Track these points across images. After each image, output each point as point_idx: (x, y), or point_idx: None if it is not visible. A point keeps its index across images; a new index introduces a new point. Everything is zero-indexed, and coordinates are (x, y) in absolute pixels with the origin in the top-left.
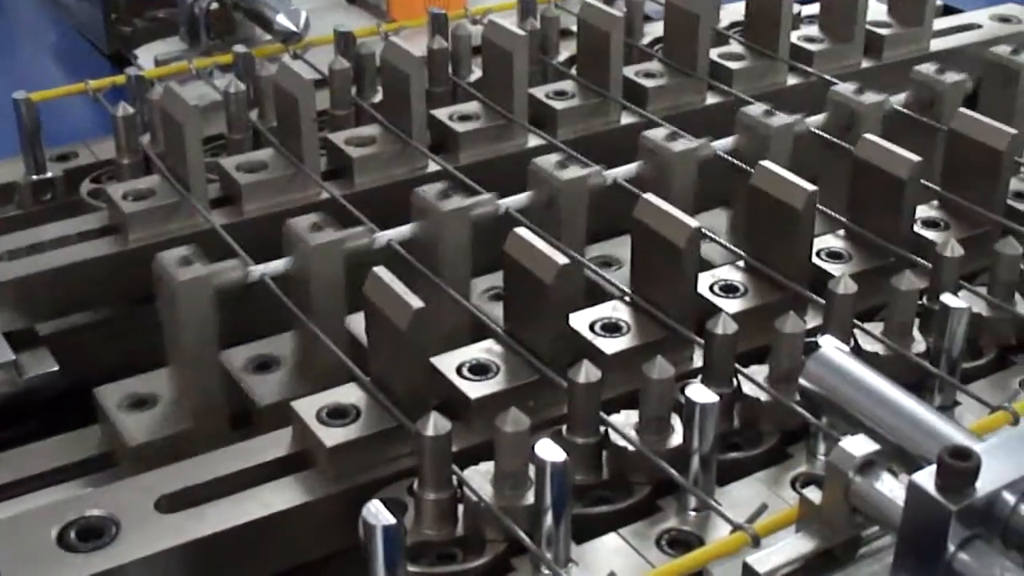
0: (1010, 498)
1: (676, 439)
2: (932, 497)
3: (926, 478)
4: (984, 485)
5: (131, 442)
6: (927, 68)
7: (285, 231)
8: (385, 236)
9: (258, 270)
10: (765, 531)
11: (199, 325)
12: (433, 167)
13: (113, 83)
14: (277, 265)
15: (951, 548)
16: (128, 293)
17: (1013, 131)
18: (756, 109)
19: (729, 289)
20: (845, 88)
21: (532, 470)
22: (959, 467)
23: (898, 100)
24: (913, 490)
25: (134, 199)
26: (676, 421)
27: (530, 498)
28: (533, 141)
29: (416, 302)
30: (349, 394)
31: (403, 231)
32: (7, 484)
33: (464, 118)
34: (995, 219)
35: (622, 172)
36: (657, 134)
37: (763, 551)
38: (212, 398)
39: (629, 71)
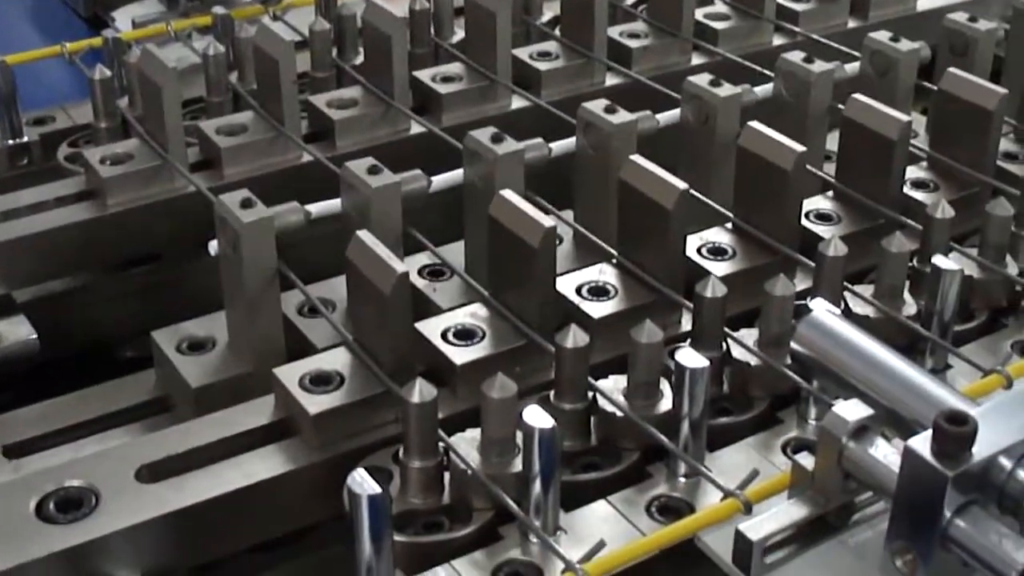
0: (1006, 463)
1: (666, 404)
2: (928, 463)
3: (922, 443)
4: (980, 450)
5: (193, 384)
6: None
7: (342, 174)
8: (436, 180)
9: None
10: (757, 497)
11: (261, 266)
12: (416, 129)
13: (90, 45)
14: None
15: (947, 514)
16: (107, 259)
17: (1003, 90)
18: (797, 55)
19: (717, 252)
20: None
21: (519, 437)
22: (955, 432)
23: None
24: (909, 455)
25: (112, 163)
26: (665, 386)
27: (518, 465)
28: (517, 102)
29: (399, 266)
30: (333, 360)
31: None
32: (62, 430)
33: (447, 79)
34: (985, 180)
35: (666, 118)
36: (701, 80)
37: (755, 518)
38: (272, 341)
39: (614, 31)
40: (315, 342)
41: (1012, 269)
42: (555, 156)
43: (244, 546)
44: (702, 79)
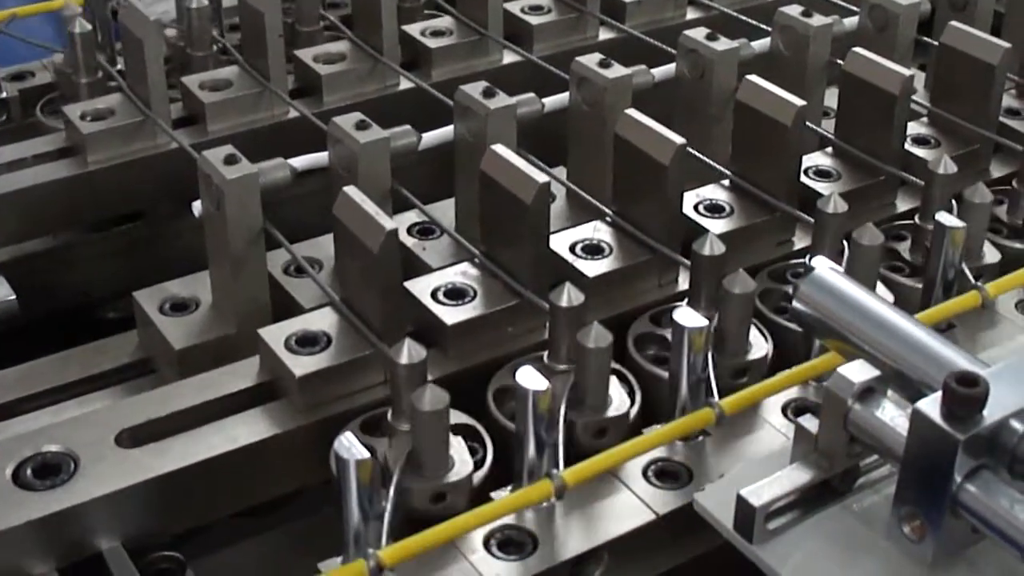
0: (1019, 426)
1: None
2: (938, 426)
3: (931, 406)
4: (991, 413)
5: (175, 346)
6: None
7: (329, 129)
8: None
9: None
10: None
11: (246, 224)
12: (405, 84)
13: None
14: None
15: (957, 479)
16: (88, 218)
17: (1006, 44)
18: (794, 8)
19: (715, 209)
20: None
21: None
22: (967, 394)
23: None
24: (917, 418)
25: (92, 119)
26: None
27: None
28: (508, 57)
29: (388, 223)
30: (320, 321)
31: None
32: (43, 392)
33: (437, 34)
34: (988, 135)
35: (661, 72)
36: (697, 34)
37: (757, 484)
38: (257, 301)
39: None
40: (302, 302)
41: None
42: (548, 112)
43: (228, 512)
44: (698, 33)
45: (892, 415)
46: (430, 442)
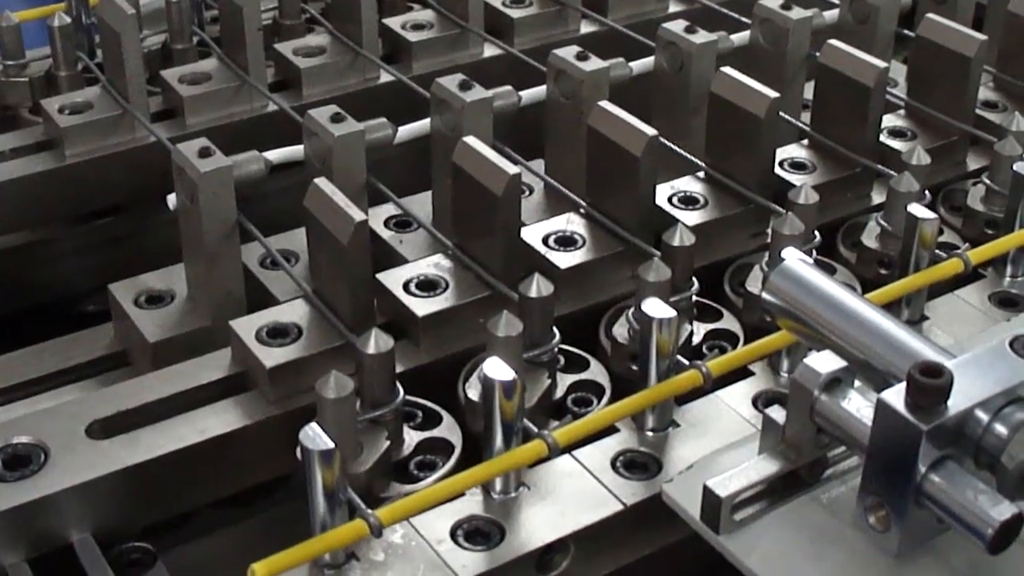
0: (983, 416)
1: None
2: (902, 416)
3: (895, 396)
4: (956, 403)
5: (150, 339)
6: None
7: (305, 121)
8: (402, 130)
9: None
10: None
11: (221, 218)
12: (386, 77)
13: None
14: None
15: (922, 469)
16: (66, 211)
17: (983, 37)
18: (774, 2)
19: (689, 201)
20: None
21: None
22: (930, 384)
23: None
24: (882, 409)
25: (71, 113)
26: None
27: None
28: (489, 50)
29: (358, 214)
30: (291, 312)
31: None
32: (16, 385)
33: (417, 27)
34: (963, 128)
35: (639, 66)
36: (676, 26)
37: (724, 474)
38: (231, 294)
39: None
40: (277, 295)
41: None
42: (525, 105)
43: (199, 504)
44: (677, 25)
45: (858, 405)
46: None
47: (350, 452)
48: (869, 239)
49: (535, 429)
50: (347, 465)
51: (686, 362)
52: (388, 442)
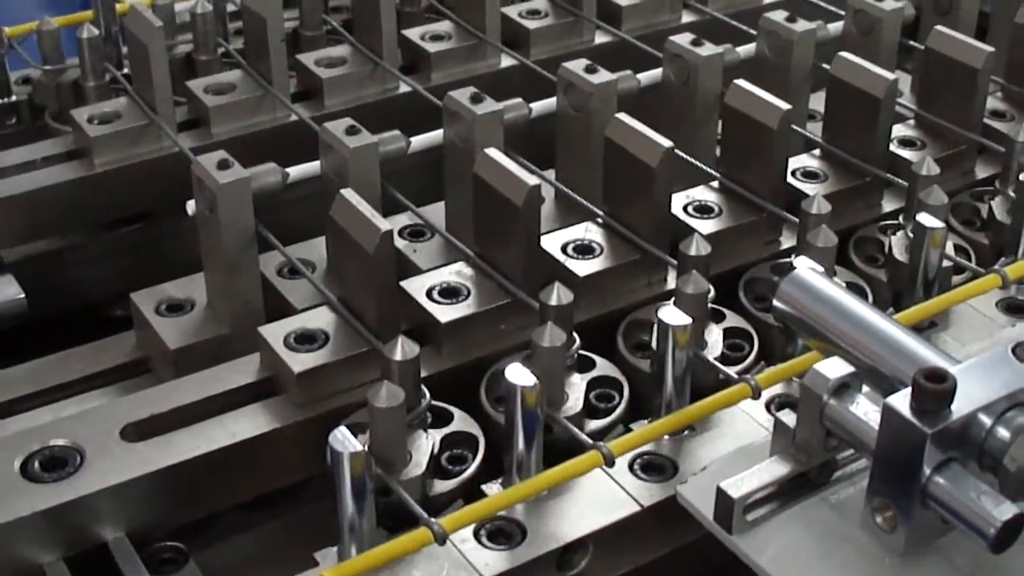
0: (986, 420)
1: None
2: (907, 420)
3: (901, 400)
4: (960, 407)
5: (171, 346)
6: None
7: (321, 134)
8: (416, 141)
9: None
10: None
11: (239, 228)
12: (404, 88)
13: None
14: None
15: (927, 471)
16: (94, 219)
17: (990, 48)
18: (779, 14)
19: (703, 210)
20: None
21: None
22: (934, 389)
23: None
24: (888, 413)
25: (100, 122)
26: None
27: None
28: (506, 61)
29: (384, 224)
30: (317, 319)
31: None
32: (45, 390)
33: (436, 38)
34: (972, 137)
35: (647, 77)
36: (683, 39)
37: (736, 476)
38: (250, 303)
39: None
40: (295, 303)
41: None
42: (536, 116)
43: (229, 504)
44: (684, 38)
45: (866, 410)
46: (387, 437)
47: (400, 458)
48: (899, 251)
49: (589, 441)
50: (399, 471)
51: (734, 375)
52: (432, 443)
